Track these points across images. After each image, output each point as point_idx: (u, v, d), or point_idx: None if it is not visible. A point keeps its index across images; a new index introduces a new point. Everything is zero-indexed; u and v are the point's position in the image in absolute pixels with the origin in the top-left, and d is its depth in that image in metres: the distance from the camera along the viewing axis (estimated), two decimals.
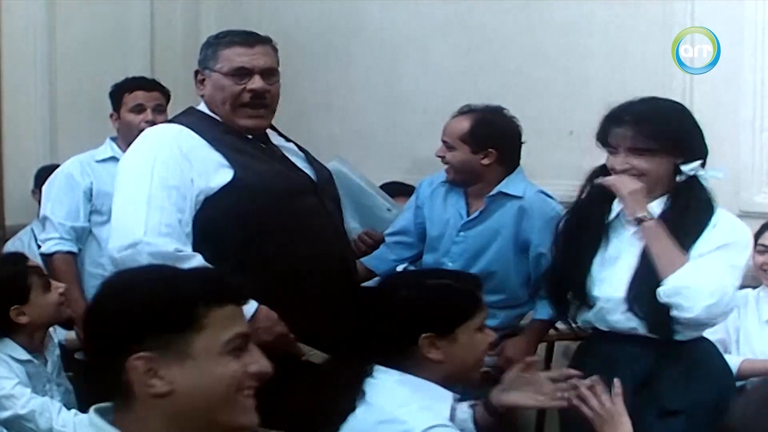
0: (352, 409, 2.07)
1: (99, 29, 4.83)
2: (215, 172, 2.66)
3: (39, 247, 3.75)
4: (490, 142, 3.24)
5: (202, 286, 1.57)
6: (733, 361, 3.11)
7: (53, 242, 3.66)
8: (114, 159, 3.74)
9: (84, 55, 4.72)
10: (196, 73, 2.82)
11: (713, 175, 2.62)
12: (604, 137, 2.66)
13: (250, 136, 2.79)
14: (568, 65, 4.04)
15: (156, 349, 1.49)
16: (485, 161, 3.25)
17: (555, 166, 3.68)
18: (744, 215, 3.59)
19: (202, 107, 2.82)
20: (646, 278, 2.59)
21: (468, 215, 3.31)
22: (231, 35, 2.80)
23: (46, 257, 3.64)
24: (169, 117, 3.72)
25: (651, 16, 3.80)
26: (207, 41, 2.83)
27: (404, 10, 4.53)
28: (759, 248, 3.35)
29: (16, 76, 4.48)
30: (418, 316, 2.16)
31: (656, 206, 2.63)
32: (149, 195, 2.60)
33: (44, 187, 3.80)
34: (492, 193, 3.26)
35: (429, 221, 3.39)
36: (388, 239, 3.35)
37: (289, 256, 2.70)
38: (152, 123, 3.64)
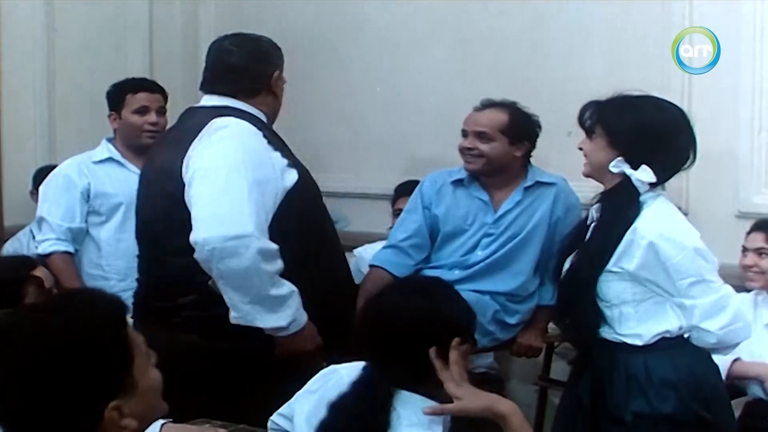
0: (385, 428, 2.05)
1: (98, 30, 4.83)
2: (285, 171, 2.77)
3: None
4: (525, 134, 3.35)
5: (117, 314, 1.53)
6: (724, 359, 3.00)
7: (49, 243, 3.65)
8: (111, 160, 3.75)
9: (83, 56, 4.72)
10: (271, 73, 2.96)
11: (638, 177, 2.55)
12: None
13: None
14: (567, 66, 4.04)
15: (122, 393, 1.47)
16: (518, 153, 3.34)
17: (553, 166, 3.67)
18: (742, 216, 3.60)
19: (244, 106, 2.88)
20: (567, 283, 2.60)
21: (494, 206, 3.35)
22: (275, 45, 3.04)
23: (44, 258, 3.63)
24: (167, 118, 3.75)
25: (649, 16, 3.80)
26: (272, 44, 3.03)
27: (404, 11, 4.52)
28: (743, 249, 3.33)
29: (16, 77, 4.48)
30: (458, 328, 2.14)
31: (595, 210, 2.65)
32: (248, 189, 2.62)
33: (41, 189, 3.79)
34: (528, 183, 3.35)
35: (442, 218, 3.41)
36: (402, 244, 3.42)
37: (331, 260, 2.88)
38: (155, 124, 3.69)
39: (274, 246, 2.63)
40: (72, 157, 3.83)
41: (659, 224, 2.56)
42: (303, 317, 2.71)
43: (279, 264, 2.65)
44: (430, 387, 2.10)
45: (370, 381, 2.11)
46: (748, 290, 3.33)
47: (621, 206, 2.56)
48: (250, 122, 2.81)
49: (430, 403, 2.07)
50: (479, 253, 3.35)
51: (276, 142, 2.84)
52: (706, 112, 3.63)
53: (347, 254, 4.30)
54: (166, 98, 3.84)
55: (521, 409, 3.80)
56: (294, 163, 2.82)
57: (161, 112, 3.76)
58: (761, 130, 3.60)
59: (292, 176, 2.77)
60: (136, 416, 1.48)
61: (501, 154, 3.32)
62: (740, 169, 3.64)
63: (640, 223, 2.54)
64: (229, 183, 2.64)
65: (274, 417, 2.31)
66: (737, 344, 2.69)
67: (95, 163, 3.75)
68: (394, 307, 2.15)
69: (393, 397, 2.07)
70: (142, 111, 3.73)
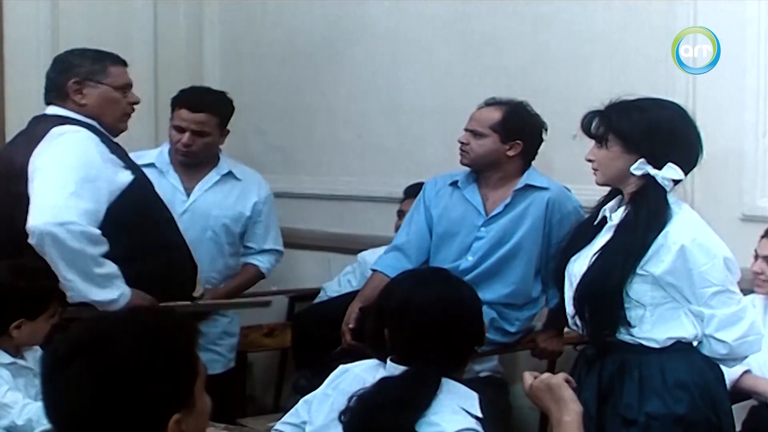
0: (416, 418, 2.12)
1: (102, 33, 4.82)
2: (119, 172, 3.12)
3: None
4: (518, 133, 3.37)
5: (191, 330, 1.56)
6: (733, 369, 2.99)
7: None
8: (153, 166, 3.85)
9: None
10: (74, 82, 3.19)
11: (664, 176, 2.55)
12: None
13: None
14: (571, 68, 4.03)
15: (183, 409, 1.48)
16: (510, 152, 3.37)
17: (558, 169, 3.68)
18: (747, 219, 3.59)
19: (72, 114, 3.18)
20: (592, 280, 2.59)
21: (485, 210, 3.34)
22: (104, 55, 3.27)
23: None
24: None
25: (653, 19, 3.79)
26: (85, 55, 3.24)
27: (407, 13, 4.52)
28: (755, 253, 3.29)
29: (19, 79, 4.49)
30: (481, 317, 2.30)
31: (618, 216, 2.63)
32: (76, 185, 2.98)
33: None
34: (518, 186, 3.36)
35: (437, 219, 3.43)
36: (404, 246, 3.47)
37: (166, 240, 3.27)
38: (188, 146, 3.81)
39: (97, 231, 2.99)
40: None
41: (692, 230, 2.57)
42: (128, 291, 3.08)
43: (103, 247, 3.02)
44: (461, 366, 2.23)
45: (421, 370, 2.17)
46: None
47: (656, 207, 2.56)
48: (89, 129, 3.13)
49: (471, 394, 2.17)
50: (470, 259, 3.36)
51: (112, 147, 3.18)
52: (711, 114, 3.61)
53: (351, 258, 4.34)
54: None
55: (524, 411, 3.83)
56: (130, 165, 3.19)
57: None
58: (766, 133, 3.58)
59: (126, 176, 3.12)
60: None
61: (490, 151, 3.36)
62: (745, 171, 3.63)
63: (672, 228, 2.55)
64: (57, 179, 2.99)
65: (279, 425, 2.34)
66: (746, 357, 2.70)
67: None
68: (427, 298, 2.25)
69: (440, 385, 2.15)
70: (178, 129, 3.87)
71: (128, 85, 3.29)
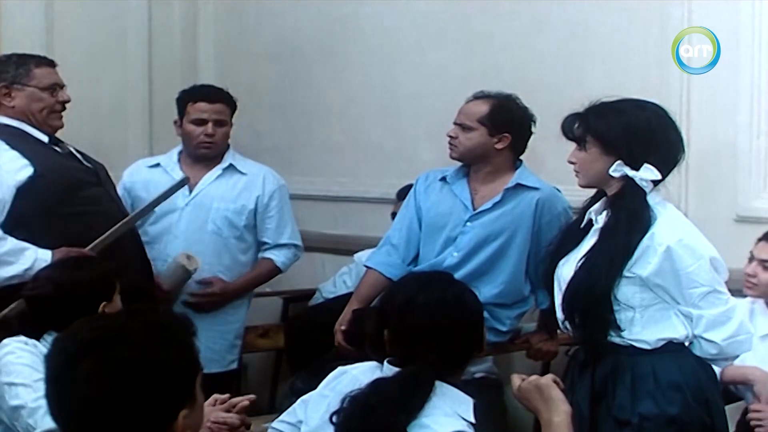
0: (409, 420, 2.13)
1: (97, 33, 4.84)
2: (20, 169, 3.19)
3: None
4: (506, 126, 3.37)
5: (190, 327, 1.58)
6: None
7: None
8: (158, 166, 3.94)
9: (82, 59, 4.72)
10: (2, 87, 3.33)
11: (642, 176, 2.55)
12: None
13: (46, 141, 3.35)
14: (566, 69, 4.04)
15: (188, 404, 1.50)
16: (499, 145, 3.37)
17: (551, 170, 3.67)
18: (741, 220, 3.60)
19: (4, 119, 3.32)
20: (579, 286, 2.60)
21: (473, 205, 3.34)
22: (28, 58, 3.40)
23: None
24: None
25: (648, 20, 3.80)
26: (10, 61, 3.38)
27: (402, 14, 4.53)
28: (750, 254, 3.27)
29: None
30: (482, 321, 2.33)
31: (603, 219, 2.63)
32: None
33: None
34: (509, 185, 3.36)
35: (425, 213, 3.45)
36: (395, 241, 3.46)
37: (89, 234, 3.23)
38: (212, 136, 3.85)
39: None
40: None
41: (678, 231, 2.57)
42: (44, 254, 3.13)
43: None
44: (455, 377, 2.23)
45: (415, 372, 2.18)
46: (744, 295, 3.32)
47: (635, 209, 2.56)
48: (9, 130, 3.28)
49: (466, 399, 2.18)
50: (455, 254, 3.37)
51: (18, 143, 3.26)
52: (705, 115, 3.63)
53: (345, 259, 4.34)
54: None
55: (519, 411, 3.83)
56: (35, 161, 3.23)
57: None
58: (760, 134, 3.59)
59: (26, 172, 3.20)
60: (192, 430, 1.52)
61: (478, 144, 3.36)
62: (739, 172, 3.63)
63: (657, 229, 2.55)
64: None
65: (276, 424, 2.36)
66: (737, 356, 2.70)
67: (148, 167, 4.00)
68: (426, 301, 2.27)
69: (435, 387, 2.16)
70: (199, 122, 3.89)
71: (56, 85, 3.40)
